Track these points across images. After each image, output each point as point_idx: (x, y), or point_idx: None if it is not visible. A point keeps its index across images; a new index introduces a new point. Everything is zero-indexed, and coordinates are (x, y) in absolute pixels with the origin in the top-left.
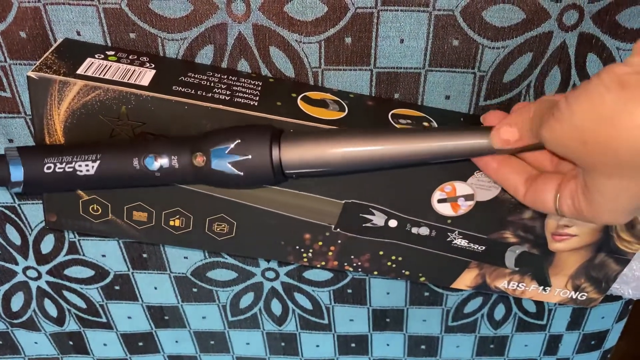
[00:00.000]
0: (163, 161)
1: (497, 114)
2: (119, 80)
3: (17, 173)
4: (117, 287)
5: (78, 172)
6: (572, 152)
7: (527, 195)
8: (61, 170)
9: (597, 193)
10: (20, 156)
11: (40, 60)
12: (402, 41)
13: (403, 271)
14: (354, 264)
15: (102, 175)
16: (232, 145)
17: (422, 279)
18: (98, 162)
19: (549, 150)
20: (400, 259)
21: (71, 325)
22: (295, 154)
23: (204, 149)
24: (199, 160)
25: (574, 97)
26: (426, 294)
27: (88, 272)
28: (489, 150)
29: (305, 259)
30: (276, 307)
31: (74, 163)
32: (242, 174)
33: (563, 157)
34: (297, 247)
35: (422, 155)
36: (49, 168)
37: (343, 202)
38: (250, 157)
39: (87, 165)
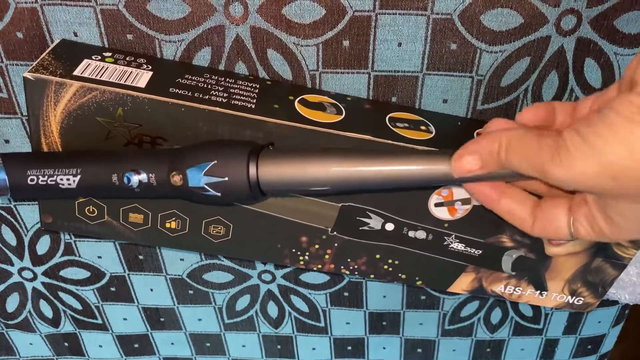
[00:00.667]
0: (141, 177)
1: (500, 122)
2: (116, 81)
3: (2, 183)
4: (112, 289)
5: (60, 186)
6: (596, 187)
7: (536, 225)
8: (44, 183)
9: (621, 217)
10: (4, 167)
11: (36, 61)
12: (400, 44)
13: (400, 275)
14: (351, 267)
15: (84, 188)
16: (208, 167)
17: (419, 282)
18: (79, 176)
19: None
20: (397, 262)
21: (66, 327)
22: (272, 175)
23: (180, 167)
24: (176, 179)
25: (591, 132)
26: (423, 297)
27: (84, 274)
28: (448, 177)
29: (301, 262)
30: (272, 309)
31: (55, 177)
32: (219, 194)
33: (576, 190)
34: (294, 250)
35: (378, 182)
36: (32, 180)
37: (340, 205)
38: (226, 179)
39: (68, 180)
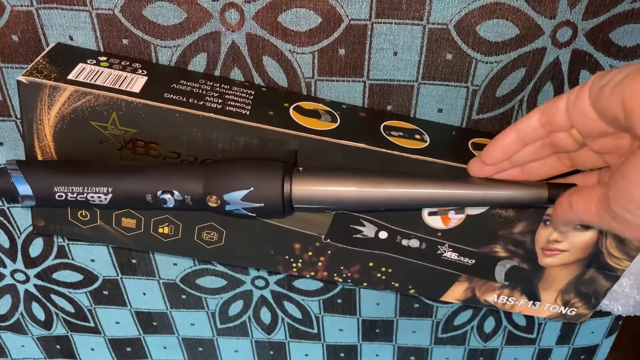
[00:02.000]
0: (176, 197)
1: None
2: (111, 86)
3: (28, 200)
4: (105, 292)
5: (91, 202)
6: None
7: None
8: (73, 199)
9: None
10: (27, 182)
11: (31, 65)
12: (395, 54)
13: (393, 283)
14: (344, 275)
15: (116, 204)
16: (245, 194)
17: (412, 291)
18: (110, 195)
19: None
20: (390, 270)
21: (59, 329)
22: (306, 195)
23: (217, 191)
24: (212, 201)
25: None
26: (416, 305)
27: (76, 277)
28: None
29: (294, 269)
30: (265, 315)
31: (85, 194)
32: (254, 215)
33: None
34: (287, 257)
35: (429, 202)
36: (60, 197)
37: (333, 212)
38: (263, 204)
39: (99, 197)
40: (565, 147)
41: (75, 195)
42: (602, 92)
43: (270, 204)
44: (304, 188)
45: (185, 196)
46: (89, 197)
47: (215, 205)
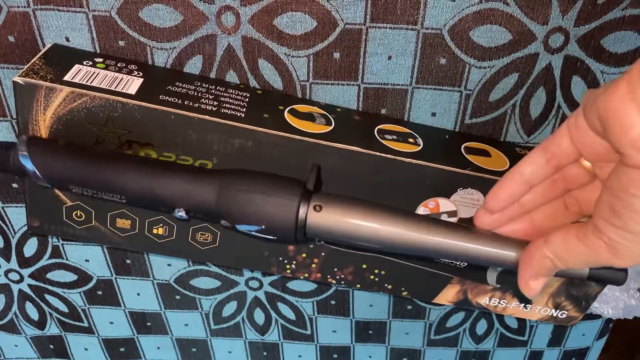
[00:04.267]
0: (190, 214)
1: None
2: (106, 87)
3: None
4: (99, 292)
5: (106, 199)
6: None
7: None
8: (88, 194)
9: None
10: (44, 179)
11: (27, 66)
12: (389, 58)
13: (386, 285)
14: (337, 277)
15: (131, 204)
16: (258, 229)
17: (405, 293)
18: (124, 200)
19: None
20: (383, 272)
21: (52, 329)
22: (320, 233)
23: (229, 219)
24: (225, 223)
25: (628, 227)
26: (409, 307)
27: (71, 277)
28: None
29: (288, 271)
30: (259, 316)
31: (100, 194)
32: (266, 242)
33: None
34: (281, 259)
35: (450, 254)
36: (75, 191)
37: None
38: (275, 238)
39: (114, 198)
40: (575, 179)
41: (89, 193)
42: (587, 108)
43: (283, 238)
44: (318, 227)
45: (198, 214)
46: (104, 196)
47: (227, 225)
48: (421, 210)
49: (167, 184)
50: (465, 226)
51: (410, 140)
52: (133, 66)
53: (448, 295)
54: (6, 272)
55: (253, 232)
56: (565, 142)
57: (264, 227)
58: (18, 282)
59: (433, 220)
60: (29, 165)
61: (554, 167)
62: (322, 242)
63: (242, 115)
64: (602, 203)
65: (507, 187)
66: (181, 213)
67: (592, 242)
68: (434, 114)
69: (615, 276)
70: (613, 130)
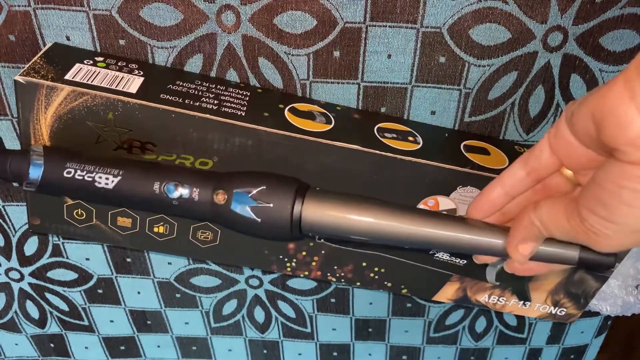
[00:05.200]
0: (184, 191)
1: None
2: (107, 86)
3: (35, 172)
4: (100, 291)
5: (97, 184)
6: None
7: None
8: (80, 177)
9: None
10: (43, 155)
11: (28, 65)
12: (389, 56)
13: (385, 283)
14: (337, 275)
15: (120, 191)
16: (256, 191)
17: (404, 291)
18: (119, 177)
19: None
20: (382, 270)
21: (53, 328)
22: (316, 213)
23: (227, 187)
24: (220, 198)
25: (610, 214)
26: (408, 305)
27: (71, 275)
28: (503, 253)
29: (288, 269)
30: (259, 314)
31: (94, 173)
32: (259, 220)
33: None
34: (281, 257)
35: (442, 244)
36: (68, 173)
37: None
38: (271, 205)
39: (107, 179)
40: (557, 188)
41: (84, 173)
42: (573, 113)
43: (280, 208)
44: (316, 201)
45: (194, 189)
46: (96, 177)
47: (222, 203)
48: (421, 207)
49: (166, 164)
50: (458, 216)
51: (410, 138)
52: (134, 65)
53: (447, 292)
54: (7, 271)
55: (248, 207)
56: (546, 154)
57: (264, 187)
58: (18, 280)
59: (428, 212)
60: (37, 173)
61: (534, 180)
62: (316, 237)
63: (243, 114)
64: (587, 195)
65: (488, 198)
66: (174, 187)
67: (576, 224)
68: (433, 113)
69: (604, 261)
70: (609, 129)
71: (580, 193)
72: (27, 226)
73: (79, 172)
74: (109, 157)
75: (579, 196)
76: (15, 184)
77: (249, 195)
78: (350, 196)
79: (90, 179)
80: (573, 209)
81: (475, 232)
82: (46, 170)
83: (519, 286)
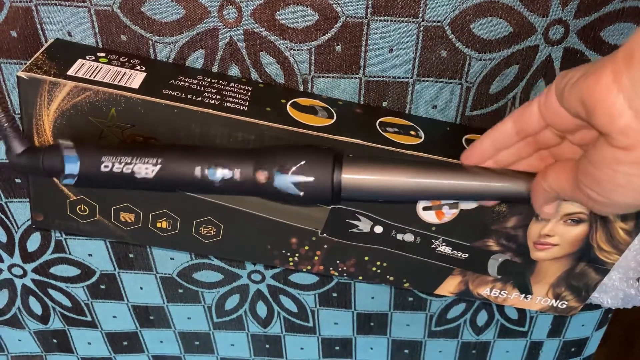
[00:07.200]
0: (225, 172)
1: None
2: (109, 82)
3: (72, 166)
4: (102, 286)
5: (136, 175)
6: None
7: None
8: (119, 170)
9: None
10: (77, 150)
11: (30, 61)
12: (391, 51)
13: (388, 277)
14: (340, 269)
15: (161, 179)
16: (296, 167)
17: (406, 284)
18: (159, 166)
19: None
20: (385, 264)
21: (56, 324)
22: (355, 179)
23: (267, 166)
24: (261, 177)
25: (606, 190)
26: (410, 299)
27: (74, 271)
28: (524, 198)
29: (291, 263)
30: (261, 309)
31: (133, 165)
32: (302, 194)
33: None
34: (284, 251)
35: (474, 193)
36: (106, 167)
37: (330, 207)
38: (312, 179)
39: (146, 169)
40: (547, 142)
41: (121, 165)
42: (563, 91)
43: (321, 180)
44: (354, 168)
45: (235, 170)
46: (135, 167)
47: (263, 182)
48: (423, 202)
49: (206, 146)
50: (486, 167)
51: (412, 132)
52: (136, 60)
53: (449, 286)
54: (9, 267)
55: (290, 183)
56: (535, 118)
57: (304, 162)
58: (21, 276)
59: (451, 164)
60: (73, 168)
61: (522, 137)
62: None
63: (245, 109)
64: (584, 172)
65: (478, 149)
66: (216, 170)
67: (578, 193)
68: (435, 107)
69: None
70: (599, 118)
71: (577, 167)
72: (29, 222)
73: (117, 165)
74: (151, 144)
75: (577, 171)
76: (20, 180)
77: (290, 172)
78: (382, 159)
79: (129, 171)
80: (574, 178)
81: (506, 180)
82: (83, 164)
83: (521, 279)
